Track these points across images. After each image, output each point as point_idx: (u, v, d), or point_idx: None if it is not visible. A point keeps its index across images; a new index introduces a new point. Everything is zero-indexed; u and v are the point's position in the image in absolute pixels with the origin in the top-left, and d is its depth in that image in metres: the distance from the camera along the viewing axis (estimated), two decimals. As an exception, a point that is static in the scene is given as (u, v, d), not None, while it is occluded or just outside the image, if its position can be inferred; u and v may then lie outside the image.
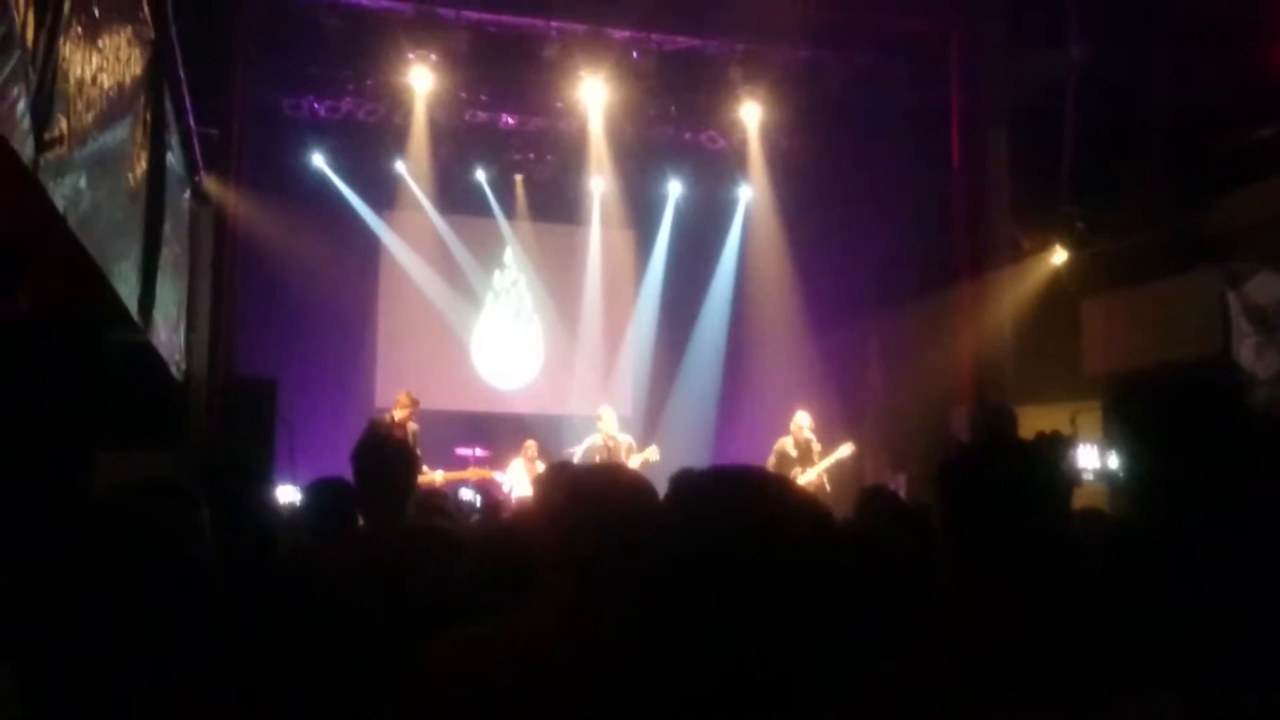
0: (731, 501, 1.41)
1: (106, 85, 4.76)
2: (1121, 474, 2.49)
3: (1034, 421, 9.62)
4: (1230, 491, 2.23)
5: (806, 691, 1.33)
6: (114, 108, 5.02)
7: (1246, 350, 8.71)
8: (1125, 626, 1.98)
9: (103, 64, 4.66)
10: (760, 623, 1.31)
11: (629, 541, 1.86)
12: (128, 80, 5.45)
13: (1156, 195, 9.66)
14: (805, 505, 1.44)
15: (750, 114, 13.38)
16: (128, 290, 5.69)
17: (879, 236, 13.41)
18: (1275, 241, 8.63)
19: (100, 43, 4.58)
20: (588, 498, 2.12)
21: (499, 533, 4.59)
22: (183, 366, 8.78)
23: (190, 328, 9.27)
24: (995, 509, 2.03)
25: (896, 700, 1.80)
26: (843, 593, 1.42)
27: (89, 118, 4.36)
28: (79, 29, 4.08)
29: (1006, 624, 1.90)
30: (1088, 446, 9.17)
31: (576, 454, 10.45)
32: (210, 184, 10.15)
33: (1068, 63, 10.15)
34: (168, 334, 7.66)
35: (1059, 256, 10.98)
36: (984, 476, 2.09)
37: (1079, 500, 2.56)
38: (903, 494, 10.21)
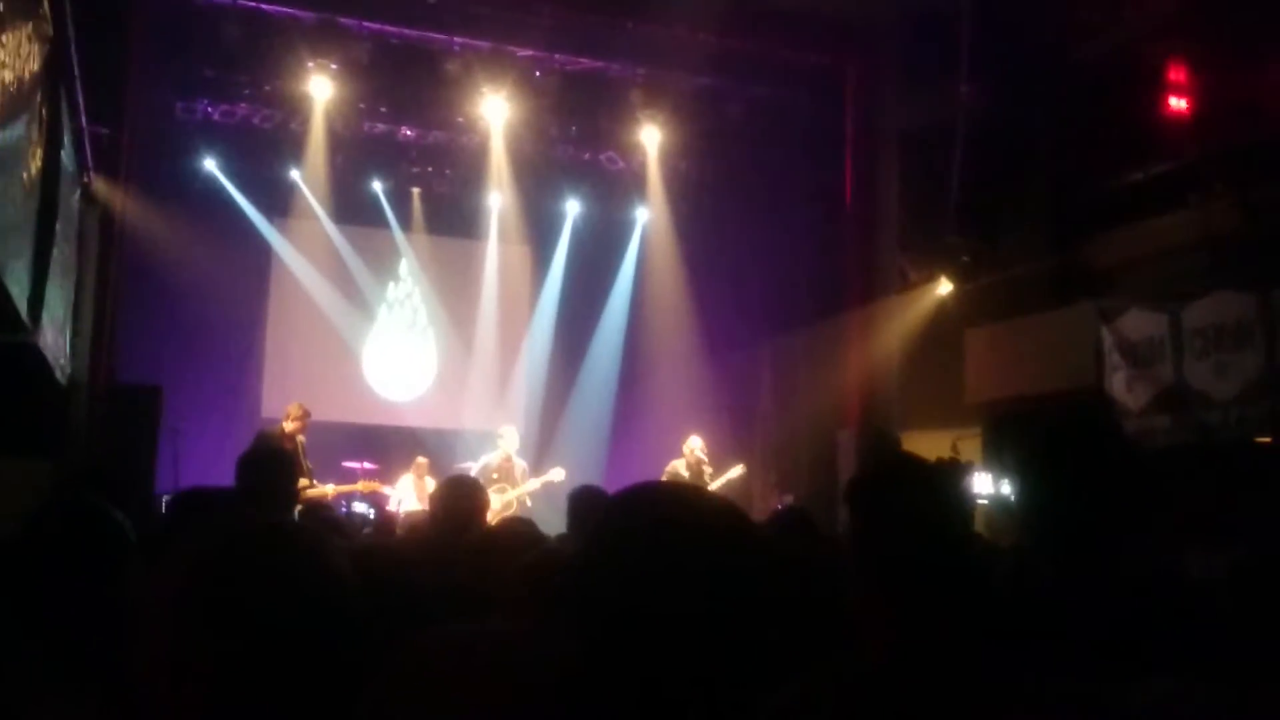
0: (660, 510, 1.40)
1: (7, 81, 4.65)
2: (1008, 501, 2.61)
3: (917, 446, 9.91)
4: (1107, 520, 2.35)
5: (724, 699, 1.32)
6: (13, 104, 4.90)
7: (1118, 383, 9.12)
8: (1024, 648, 2.07)
9: (4, 59, 4.56)
10: (692, 632, 1.31)
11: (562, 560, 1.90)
12: (27, 76, 5.32)
13: (1038, 231, 10.05)
14: (729, 511, 1.43)
15: (650, 137, 13.56)
16: (19, 290, 5.54)
17: (773, 262, 13.68)
18: (1147, 279, 9.04)
19: (3, 38, 4.49)
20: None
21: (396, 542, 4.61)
22: (67, 370, 8.53)
23: (74, 331, 9.02)
24: (903, 530, 2.06)
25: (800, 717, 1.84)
26: (764, 598, 1.46)
27: (-9, 114, 4.27)
28: (-16, 24, 4.00)
29: (911, 643, 1.95)
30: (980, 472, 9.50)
31: (473, 470, 10.41)
32: (99, 184, 9.91)
33: (957, 100, 10.49)
34: (54, 336, 7.45)
35: (944, 287, 11.33)
36: (893, 497, 2.12)
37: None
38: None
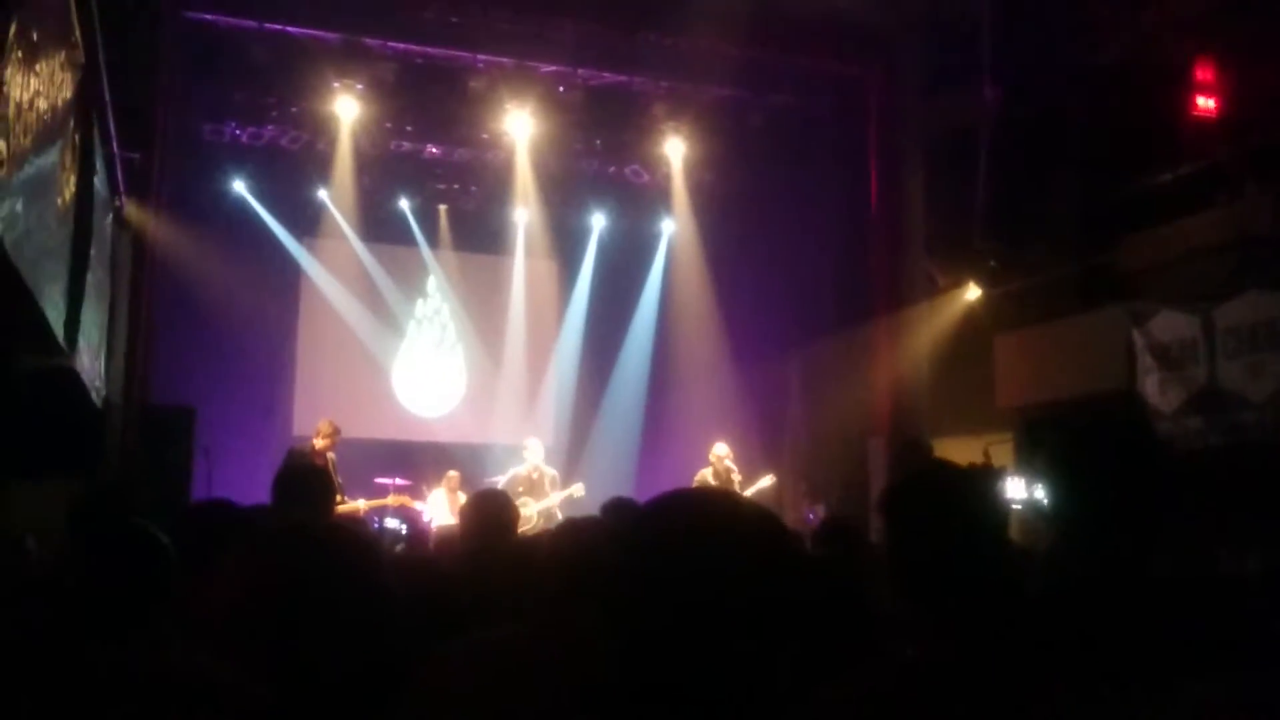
0: (699, 516, 1.41)
1: (42, 109, 4.73)
2: (1044, 505, 2.59)
3: (948, 453, 9.89)
4: (1139, 522, 2.34)
5: (757, 705, 1.33)
6: (47, 131, 4.98)
7: (1151, 385, 9.05)
8: (1057, 652, 2.06)
9: (39, 88, 4.64)
10: (730, 636, 1.32)
11: (601, 564, 1.91)
12: (60, 104, 5.41)
13: (1066, 235, 9.99)
14: (764, 517, 1.45)
15: (674, 149, 13.61)
16: (56, 314, 5.63)
17: (799, 271, 13.67)
18: (1177, 281, 8.97)
19: (38, 67, 4.57)
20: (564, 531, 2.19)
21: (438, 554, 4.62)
22: (102, 393, 8.64)
23: (109, 354, 9.13)
24: (939, 536, 2.07)
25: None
26: (798, 605, 1.46)
27: (26, 141, 4.34)
28: (19, 53, 4.07)
29: (947, 648, 1.96)
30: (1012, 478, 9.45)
31: (500, 483, 10.46)
32: (131, 208, 10.03)
33: (981, 104, 10.46)
34: (90, 359, 7.55)
35: (973, 293, 11.29)
36: (928, 504, 2.13)
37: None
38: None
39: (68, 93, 5.70)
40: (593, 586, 1.97)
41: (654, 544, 1.41)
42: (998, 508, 2.19)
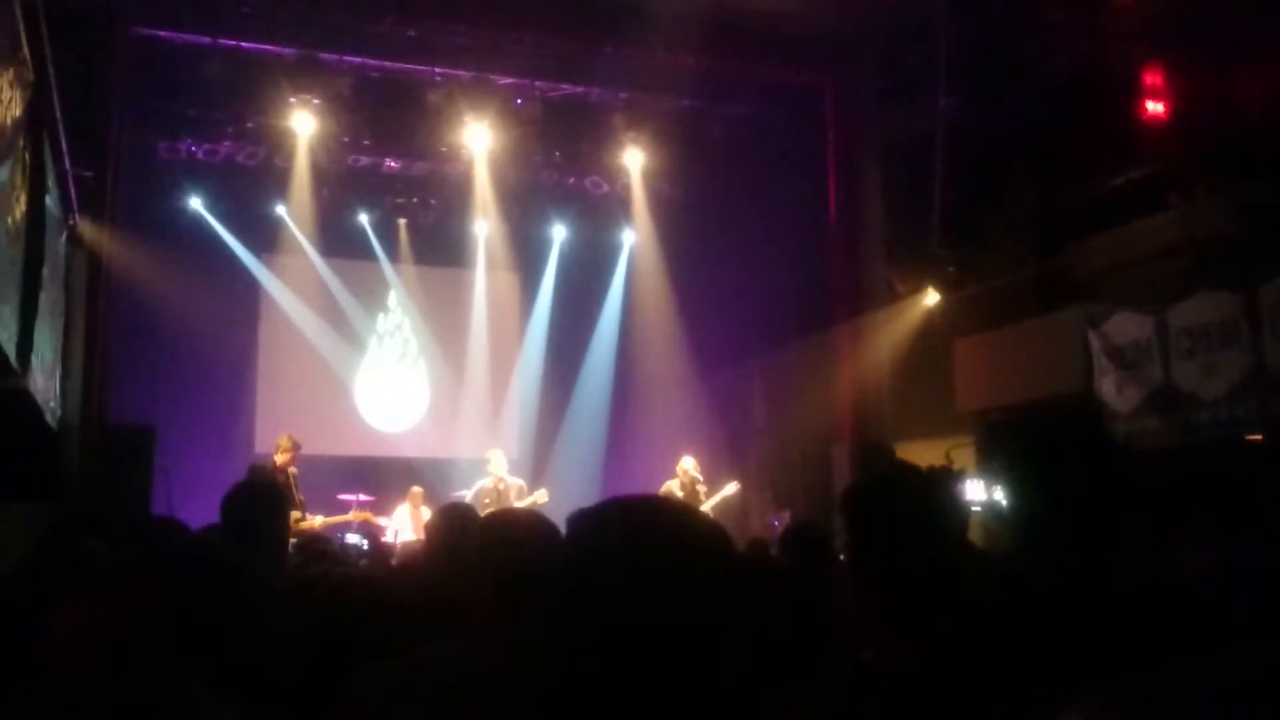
0: (635, 525, 1.39)
1: (-10, 127, 4.68)
2: (1001, 507, 2.60)
3: (911, 457, 9.92)
4: (1098, 522, 2.37)
5: (706, 715, 1.30)
6: (-4, 150, 4.93)
7: (1108, 386, 9.15)
8: (1017, 655, 2.07)
9: (-14, 106, 4.59)
10: (667, 646, 1.29)
11: (535, 573, 1.90)
12: (9, 122, 5.35)
13: (1022, 239, 10.10)
14: (705, 526, 1.43)
15: (633, 160, 13.63)
16: (7, 335, 5.55)
17: (760, 279, 13.72)
18: (1131, 283, 9.08)
19: (-15, 85, 4.51)
20: (494, 535, 2.17)
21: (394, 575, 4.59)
22: (57, 414, 8.52)
23: (64, 374, 9.01)
24: (898, 537, 2.09)
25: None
26: (747, 615, 1.45)
27: (-26, 160, 4.28)
28: (-35, 71, 4.03)
29: (906, 651, 1.97)
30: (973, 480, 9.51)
31: (466, 497, 10.41)
32: (85, 227, 9.91)
33: (936, 112, 10.55)
34: (44, 380, 7.44)
35: (931, 298, 11.37)
36: (887, 506, 2.16)
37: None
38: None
39: (17, 111, 5.64)
40: (526, 594, 1.95)
41: (586, 552, 1.38)
42: (956, 509, 2.21)
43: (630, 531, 1.37)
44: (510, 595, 2.00)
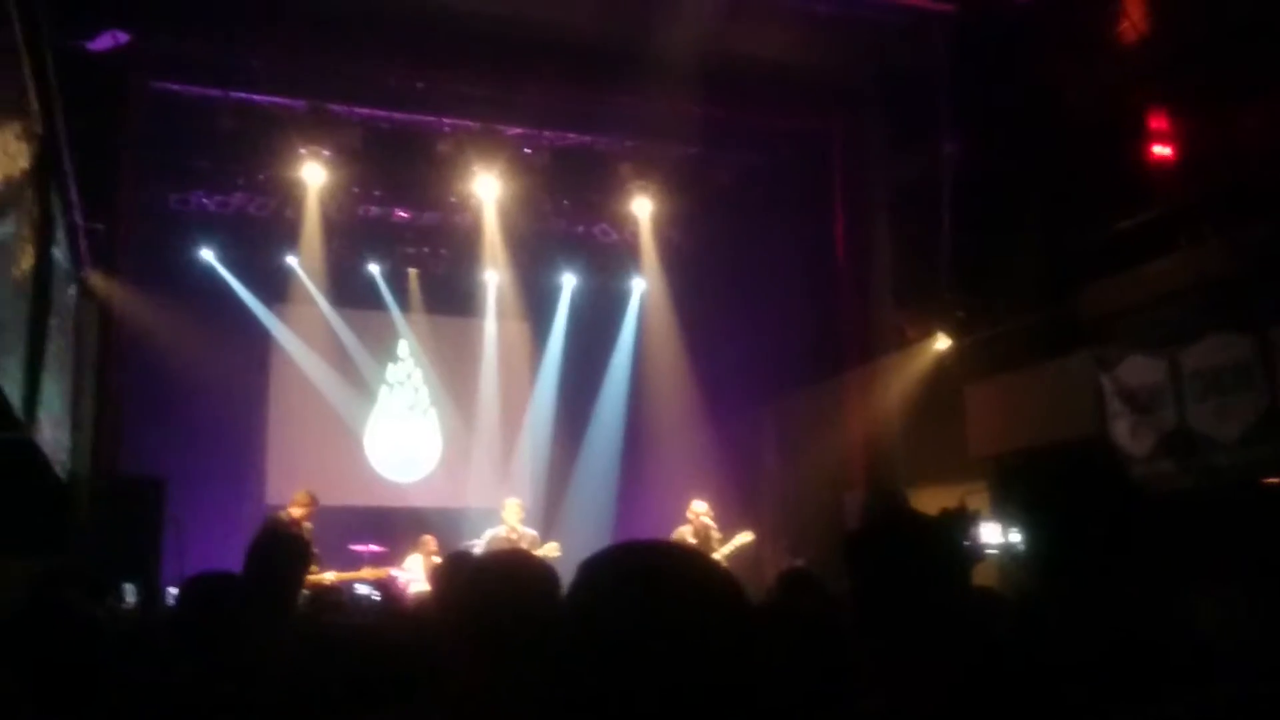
0: (641, 571, 1.37)
1: (-4, 180, 4.70)
2: (1019, 550, 2.59)
3: (925, 503, 9.83)
4: (1112, 564, 2.35)
5: None
6: (1, 202, 4.95)
7: (1121, 430, 9.06)
8: (1028, 697, 2.04)
9: (-7, 159, 4.61)
10: (676, 696, 1.27)
11: (533, 621, 1.86)
12: (15, 174, 5.38)
13: (1031, 283, 10.06)
14: (714, 573, 1.40)
15: (642, 208, 13.68)
16: (12, 387, 5.54)
17: (770, 325, 13.70)
18: (1142, 325, 9.03)
19: (-10, 138, 4.54)
20: (489, 582, 2.13)
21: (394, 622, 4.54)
22: (67, 466, 8.51)
23: (74, 426, 9.01)
24: (898, 582, 2.08)
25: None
26: (761, 663, 1.41)
27: (-22, 212, 4.30)
28: (-30, 124, 4.05)
29: (918, 695, 1.95)
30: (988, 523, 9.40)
31: (478, 546, 10.32)
32: (96, 279, 9.96)
33: (943, 156, 10.57)
34: (52, 432, 7.43)
35: (942, 343, 11.32)
36: (886, 550, 2.15)
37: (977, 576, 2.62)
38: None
39: (24, 163, 5.68)
40: (510, 644, 1.91)
41: (588, 599, 1.37)
42: (959, 552, 2.18)
43: (638, 576, 1.36)
44: (492, 645, 1.95)
